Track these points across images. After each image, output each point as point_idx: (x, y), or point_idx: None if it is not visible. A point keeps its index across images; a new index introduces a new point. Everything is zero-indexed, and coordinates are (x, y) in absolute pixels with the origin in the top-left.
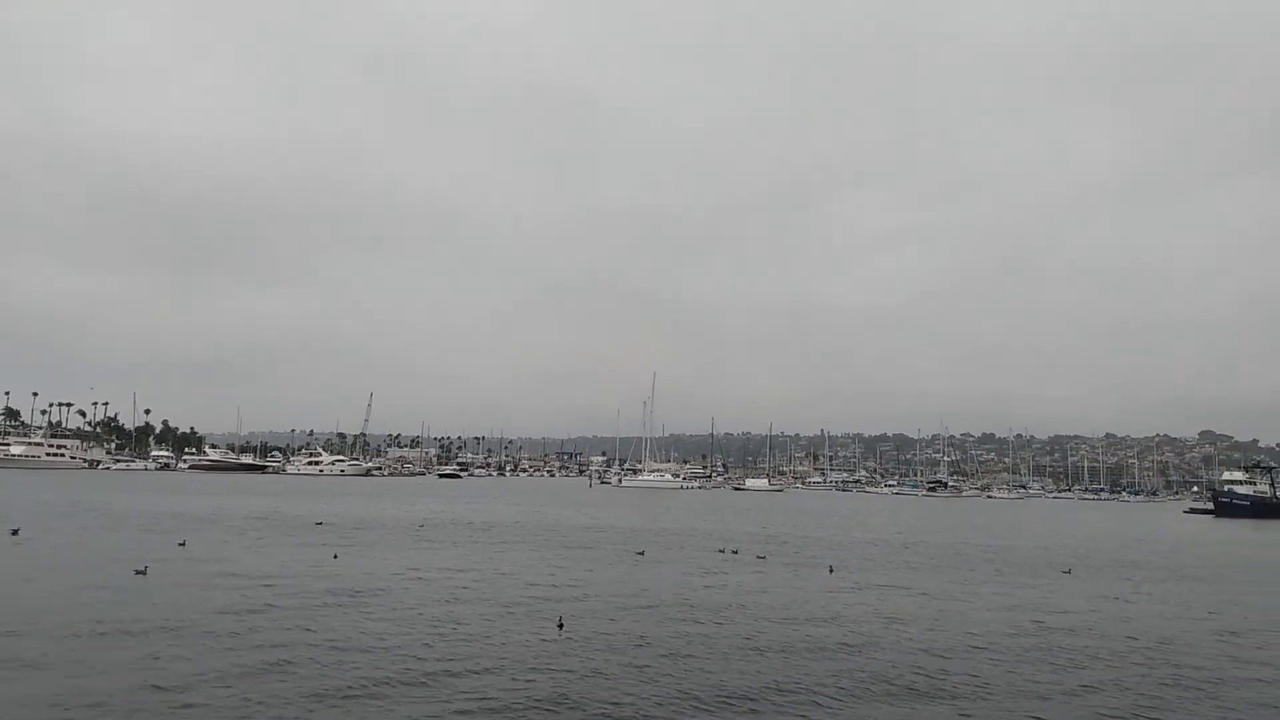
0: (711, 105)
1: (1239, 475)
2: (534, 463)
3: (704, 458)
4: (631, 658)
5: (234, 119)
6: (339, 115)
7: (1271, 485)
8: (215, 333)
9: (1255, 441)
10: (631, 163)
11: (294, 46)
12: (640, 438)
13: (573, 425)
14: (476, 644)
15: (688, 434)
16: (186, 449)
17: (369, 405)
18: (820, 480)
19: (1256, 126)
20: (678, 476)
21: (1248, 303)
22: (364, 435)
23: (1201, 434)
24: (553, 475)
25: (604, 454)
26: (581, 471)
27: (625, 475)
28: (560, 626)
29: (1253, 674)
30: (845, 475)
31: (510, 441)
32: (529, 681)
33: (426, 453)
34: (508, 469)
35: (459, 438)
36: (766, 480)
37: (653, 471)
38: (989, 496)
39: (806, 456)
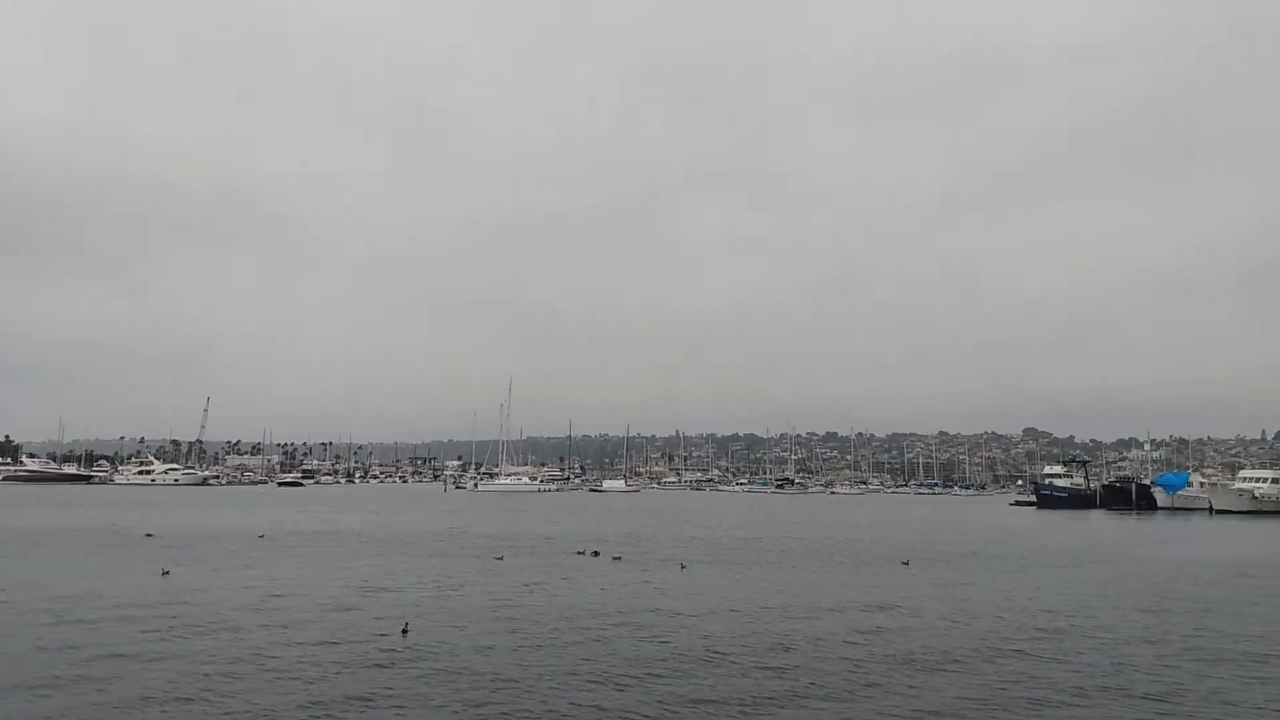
0: (565, 111)
1: (1058, 469)
2: (386, 469)
3: (561, 460)
4: (471, 662)
5: (61, 112)
6: (179, 112)
7: (1086, 478)
8: (34, 333)
9: (1072, 438)
10: (483, 167)
11: (129, 39)
12: (497, 441)
13: (427, 430)
14: (313, 651)
15: (545, 437)
16: (0, 459)
17: (205, 411)
18: (675, 480)
19: (1055, 146)
20: (535, 480)
21: (1061, 311)
22: (200, 442)
23: (1025, 431)
24: (405, 481)
25: (459, 458)
26: (436, 477)
27: (481, 480)
28: (405, 633)
29: (1065, 647)
30: (699, 475)
31: (360, 447)
32: (368, 689)
33: (269, 460)
34: (357, 476)
35: (304, 444)
36: (623, 481)
37: (510, 475)
38: (832, 492)
39: (662, 457)
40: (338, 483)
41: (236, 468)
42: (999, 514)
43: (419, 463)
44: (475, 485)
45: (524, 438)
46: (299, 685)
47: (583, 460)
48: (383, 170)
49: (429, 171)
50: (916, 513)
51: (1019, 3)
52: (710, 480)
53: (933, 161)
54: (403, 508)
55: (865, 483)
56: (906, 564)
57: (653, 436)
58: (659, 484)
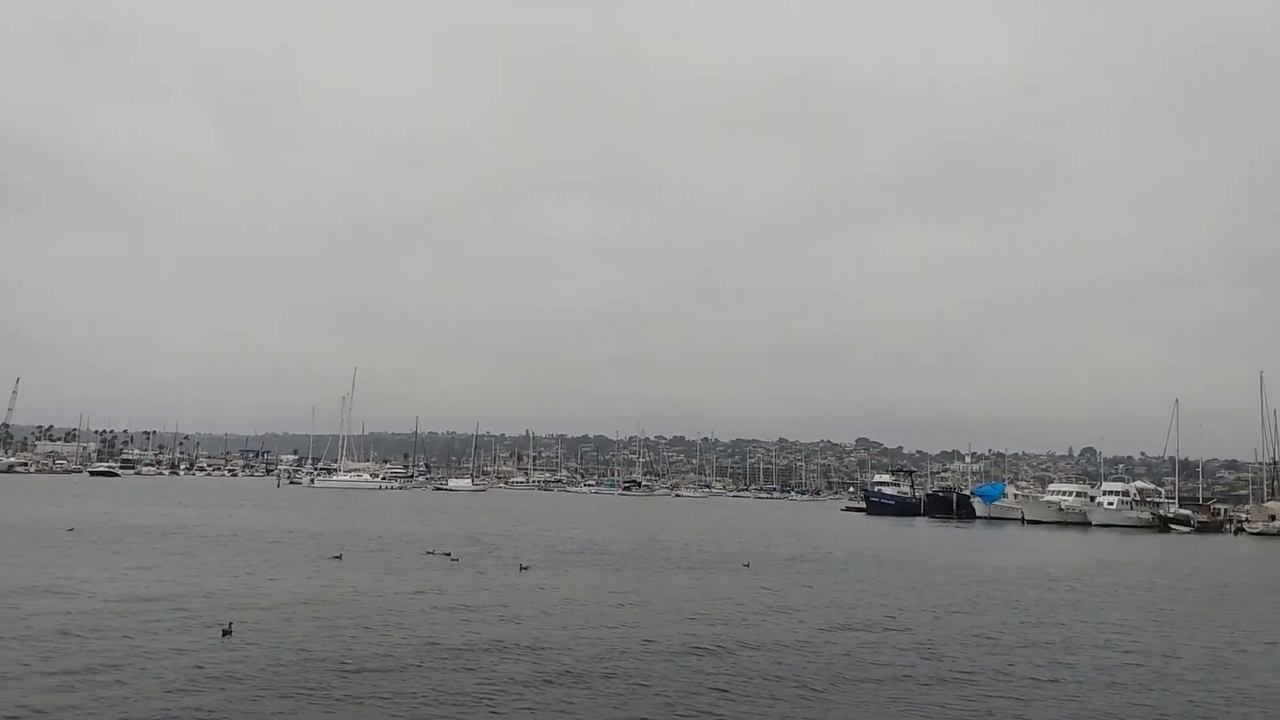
0: (432, 105)
1: (887, 478)
2: (214, 461)
3: (406, 457)
4: (294, 663)
5: None
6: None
7: (912, 487)
8: None
9: (901, 448)
10: (340, 156)
11: None
12: (337, 436)
13: (262, 422)
14: (122, 654)
15: (390, 433)
16: None
17: (14, 393)
18: (524, 480)
19: (904, 175)
20: (376, 476)
21: (892, 328)
22: (6, 426)
23: (858, 441)
24: (235, 475)
25: (295, 453)
26: (269, 471)
27: (319, 475)
28: (226, 634)
29: (883, 641)
30: (548, 475)
31: (187, 437)
32: (180, 690)
33: (85, 447)
34: (182, 467)
35: (125, 431)
36: (470, 480)
37: (349, 471)
38: (678, 495)
39: (511, 456)
40: (161, 474)
41: (48, 455)
42: (832, 519)
43: (251, 456)
44: (312, 481)
45: (367, 433)
46: (108, 690)
47: (428, 458)
48: (229, 151)
49: (280, 156)
50: (757, 516)
51: (885, 39)
52: (559, 481)
53: (790, 179)
54: (230, 502)
55: (709, 486)
56: (747, 565)
57: (502, 436)
58: (507, 484)
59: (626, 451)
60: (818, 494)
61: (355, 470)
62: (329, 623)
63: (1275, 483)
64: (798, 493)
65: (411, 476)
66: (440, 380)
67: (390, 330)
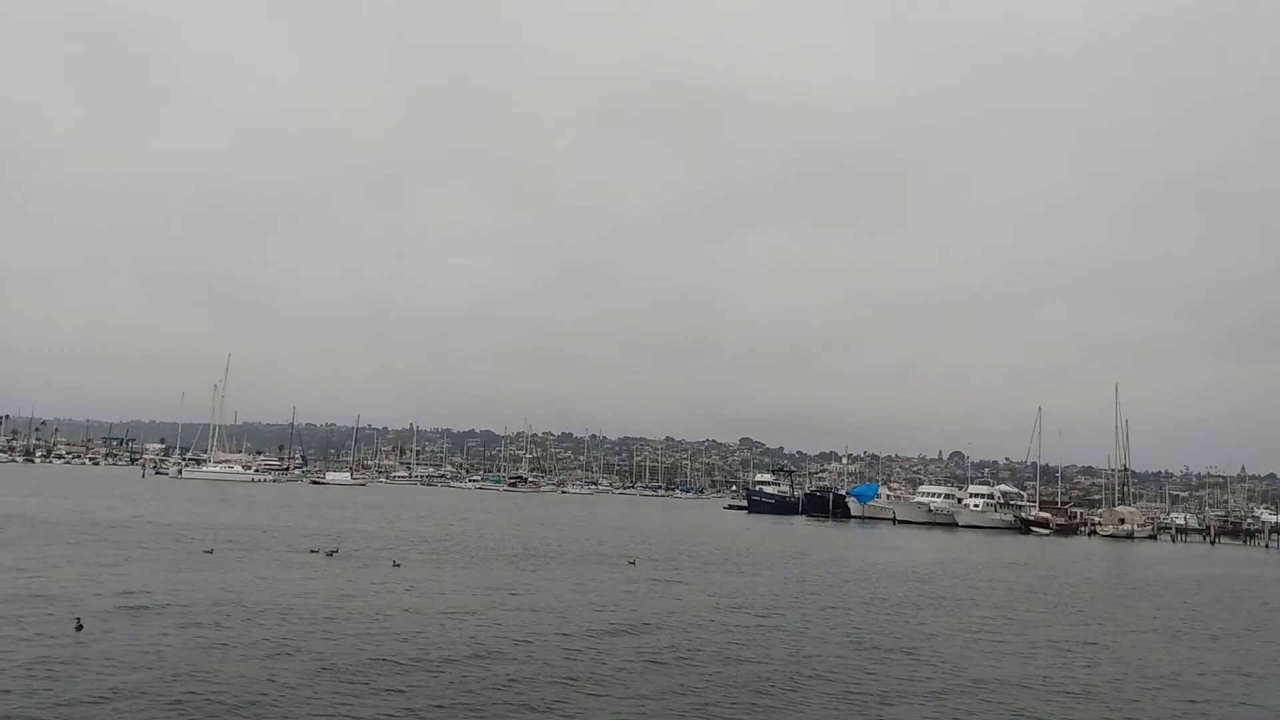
0: (300, 86)
1: (767, 477)
2: (74, 448)
3: (281, 448)
4: (147, 660)
5: None
6: None
7: (791, 486)
8: None
9: (782, 449)
10: (212, 133)
11: None
12: (208, 425)
13: (127, 409)
14: None
15: (265, 423)
16: None
17: None
18: (406, 475)
19: (783, 180)
20: (249, 468)
21: (773, 331)
22: None
23: (741, 441)
24: (97, 464)
25: (162, 441)
26: (134, 460)
27: (187, 466)
28: (79, 628)
29: (754, 637)
30: (431, 470)
31: (44, 423)
32: (29, 689)
33: None
34: (38, 455)
35: None
36: (349, 474)
37: (220, 462)
38: (563, 492)
39: (393, 450)
40: (14, 461)
41: None
42: (714, 517)
43: (114, 444)
44: (179, 472)
45: (240, 423)
46: None
47: (305, 450)
48: (90, 113)
49: (149, 130)
50: (641, 513)
51: (763, 47)
52: (443, 476)
53: (673, 178)
54: (89, 492)
55: (595, 483)
56: (633, 563)
57: (384, 429)
58: (388, 478)
59: (513, 447)
60: (701, 492)
61: (227, 461)
62: (191, 621)
63: (1126, 489)
64: (682, 491)
65: (287, 469)
66: (319, 370)
67: (266, 316)
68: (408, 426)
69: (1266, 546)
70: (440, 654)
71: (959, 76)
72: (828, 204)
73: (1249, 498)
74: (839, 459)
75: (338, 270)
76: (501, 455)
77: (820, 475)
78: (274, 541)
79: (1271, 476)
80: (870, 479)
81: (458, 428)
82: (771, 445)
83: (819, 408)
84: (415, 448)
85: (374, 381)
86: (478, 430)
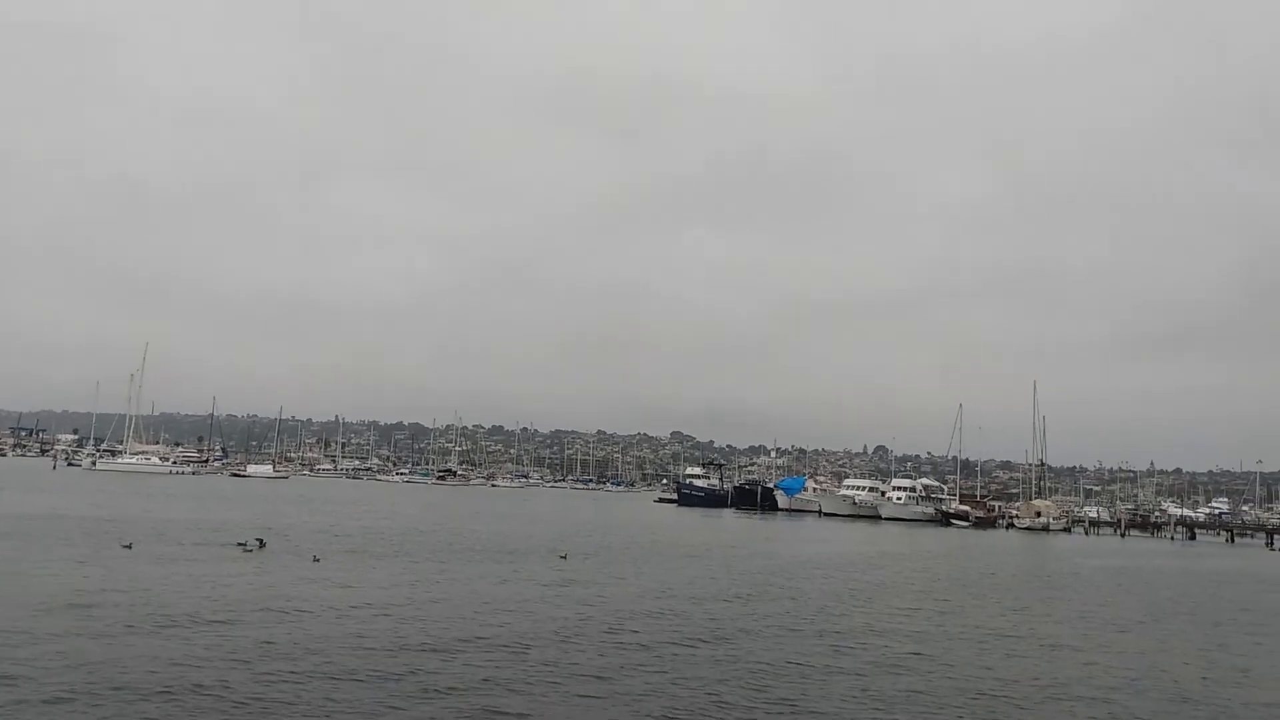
0: (225, 72)
1: (698, 471)
2: None
3: (201, 440)
4: (35, 654)
5: None
6: None
7: (721, 480)
8: None
9: (712, 442)
10: (131, 117)
11: None
12: (124, 415)
13: (37, 398)
14: None
15: (184, 413)
16: None
17: None
18: (331, 468)
19: (714, 178)
20: (167, 460)
21: (704, 326)
22: None
23: (673, 434)
24: (3, 454)
25: (75, 432)
26: (45, 451)
27: (101, 457)
28: None
29: (678, 625)
30: (358, 463)
31: None
32: None
33: None
34: None
35: None
36: (271, 466)
37: (136, 453)
38: (493, 485)
39: (318, 443)
40: None
41: None
42: (645, 510)
43: (23, 434)
44: (93, 463)
45: (158, 413)
46: None
47: (225, 442)
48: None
49: (59, 114)
50: (572, 506)
51: (701, 47)
52: (369, 469)
53: (608, 176)
54: None
55: (526, 476)
56: (564, 557)
57: (309, 421)
58: (312, 471)
59: (443, 440)
60: (632, 485)
61: (143, 453)
62: (109, 621)
63: (1042, 483)
64: (613, 484)
65: (206, 461)
66: (241, 360)
67: (187, 304)
68: (333, 419)
69: (1171, 538)
70: (352, 651)
71: (888, 84)
72: (759, 204)
73: (1157, 492)
74: (768, 453)
75: (262, 260)
76: (430, 448)
77: (749, 469)
78: (194, 535)
79: (1178, 471)
80: (798, 473)
81: (385, 420)
82: (702, 439)
83: (749, 402)
84: (341, 440)
85: (298, 373)
86: (406, 423)
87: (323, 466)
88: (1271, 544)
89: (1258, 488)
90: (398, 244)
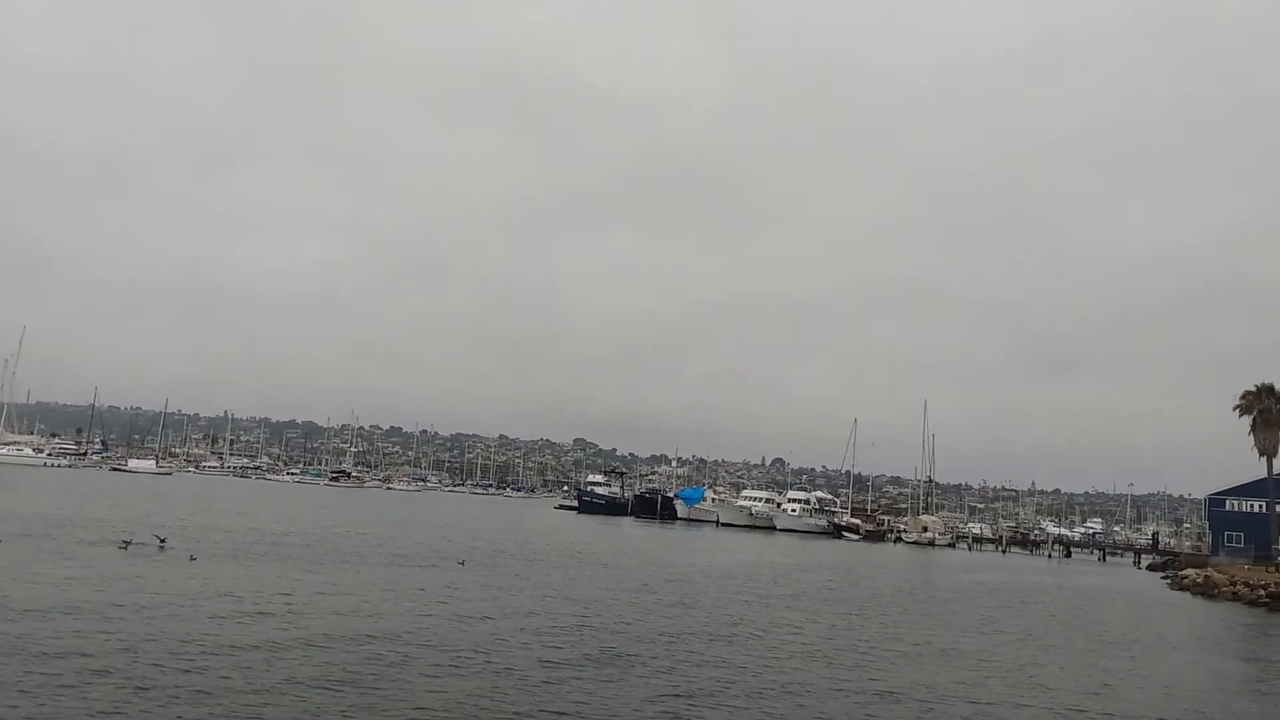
0: (121, 39)
1: (599, 478)
2: None
3: (79, 432)
4: None
5: None
6: None
7: (622, 487)
8: None
9: (615, 450)
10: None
11: None
12: None
13: None
14: None
15: (62, 403)
16: None
17: None
18: (218, 465)
19: (622, 182)
20: (41, 451)
21: (610, 332)
22: None
23: (575, 441)
24: None
25: None
26: None
27: None
28: None
29: (578, 634)
30: (247, 461)
31: None
32: None
33: None
34: None
35: None
36: (154, 462)
37: (8, 444)
38: (389, 488)
39: (205, 439)
40: None
41: None
42: (545, 517)
43: None
44: None
45: (34, 402)
46: None
47: (106, 435)
48: None
49: None
50: (470, 511)
51: (621, 51)
52: (258, 468)
53: (518, 175)
54: None
55: (424, 480)
56: (462, 564)
57: (196, 415)
58: (198, 468)
59: (338, 440)
60: (533, 491)
61: (15, 443)
62: None
63: (930, 499)
64: (514, 489)
65: (84, 454)
66: (126, 349)
67: (68, 286)
68: (222, 414)
69: (1049, 556)
70: (213, 655)
71: (796, 97)
72: (668, 209)
73: (1037, 511)
74: (669, 462)
75: (152, 243)
76: (324, 448)
77: (650, 477)
78: (65, 532)
79: (1057, 492)
80: (698, 482)
81: (277, 417)
82: (605, 446)
83: (653, 411)
84: (229, 437)
85: (187, 364)
86: (299, 421)
87: (209, 464)
88: (1139, 563)
89: (1129, 509)
90: (298, 232)
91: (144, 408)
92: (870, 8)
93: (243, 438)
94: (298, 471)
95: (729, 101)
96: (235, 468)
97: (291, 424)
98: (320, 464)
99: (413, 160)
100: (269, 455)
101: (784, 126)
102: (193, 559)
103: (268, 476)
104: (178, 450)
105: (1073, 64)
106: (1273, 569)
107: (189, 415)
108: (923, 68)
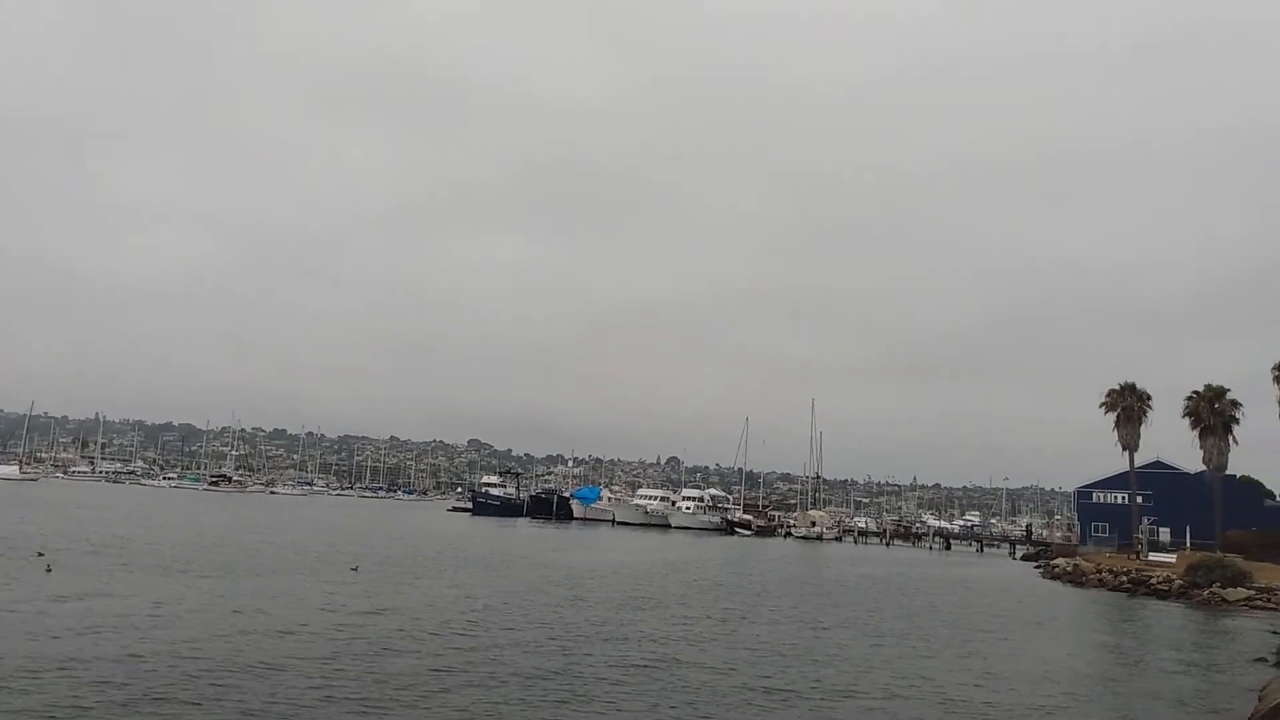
0: None
1: (494, 479)
2: None
3: None
4: None
5: None
6: None
7: (517, 488)
8: None
9: (510, 450)
10: None
11: None
12: None
13: None
14: None
15: None
16: None
17: None
18: (89, 470)
19: (516, 184)
20: None
21: (502, 333)
22: None
23: (470, 442)
24: None
25: None
26: None
27: None
28: None
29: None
30: (120, 465)
31: None
32: None
33: None
34: None
35: None
36: (18, 467)
37: None
38: (272, 492)
39: (74, 442)
40: None
41: None
42: (438, 519)
43: None
44: None
45: None
46: None
47: None
48: None
49: None
50: (353, 516)
51: (515, 51)
52: (132, 472)
53: (409, 175)
54: None
55: (310, 483)
56: (355, 569)
57: (65, 418)
58: (66, 473)
59: (217, 443)
60: (425, 494)
61: None
62: None
63: (818, 494)
64: (405, 492)
65: None
66: None
67: None
68: (93, 416)
69: (930, 548)
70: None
71: (687, 103)
72: (560, 213)
73: (918, 505)
74: (565, 462)
75: (16, 229)
76: (203, 451)
77: (546, 478)
78: None
79: (937, 486)
80: (594, 482)
81: (153, 420)
82: (500, 447)
83: (548, 411)
84: (101, 440)
85: (55, 363)
86: (176, 423)
87: (78, 469)
88: (1014, 553)
89: (1004, 502)
90: (177, 226)
91: (6, 410)
92: (764, 16)
93: (116, 441)
94: (175, 476)
95: (620, 106)
96: (108, 473)
97: (168, 426)
98: (199, 468)
99: (297, 157)
100: (144, 459)
101: (674, 132)
102: (49, 570)
103: (143, 481)
104: (44, 455)
105: (969, 85)
106: (1134, 557)
107: (56, 418)
108: (816, 77)
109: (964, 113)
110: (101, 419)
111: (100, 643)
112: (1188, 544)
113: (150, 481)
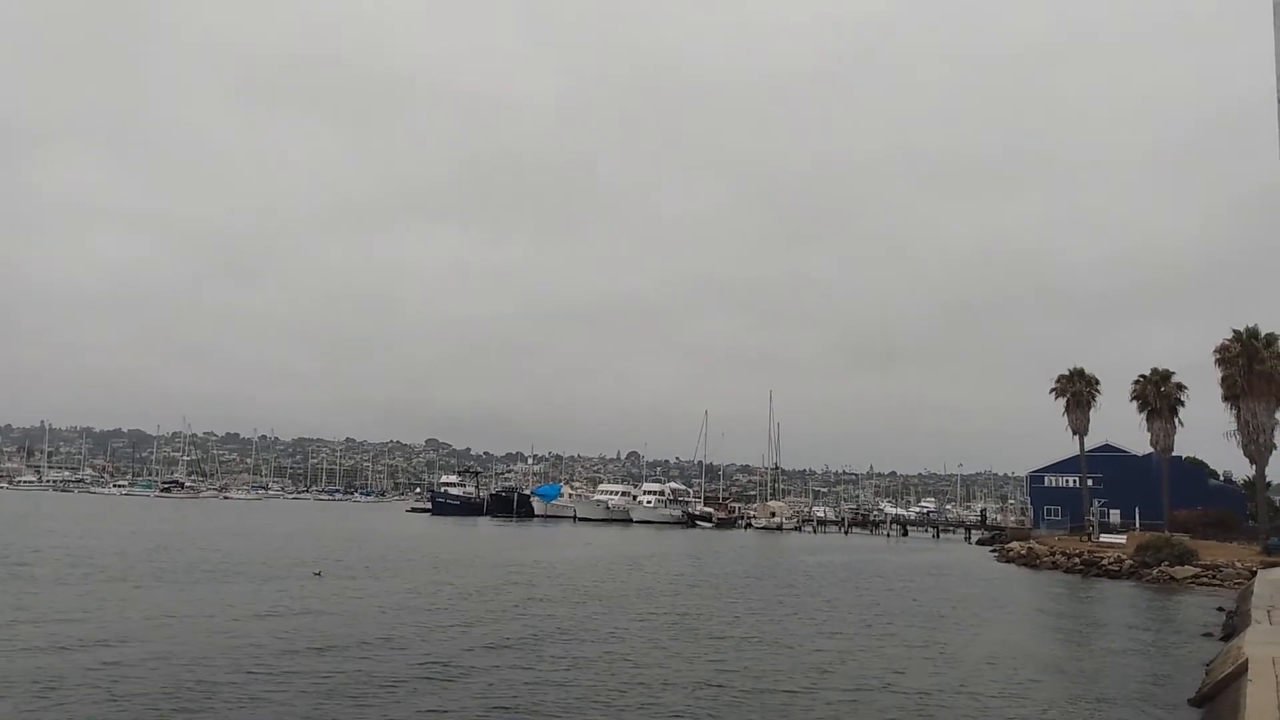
0: None
1: (453, 479)
2: None
3: None
4: None
5: None
6: None
7: (477, 487)
8: None
9: (469, 449)
10: None
11: None
12: None
13: None
14: None
15: None
16: None
17: None
18: (35, 479)
19: (463, 180)
20: None
21: (457, 331)
22: None
23: (428, 442)
24: None
25: None
26: None
27: None
28: None
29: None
30: (68, 473)
31: None
32: None
33: None
34: None
35: None
36: None
37: None
38: (226, 497)
39: (19, 451)
40: None
41: None
42: (397, 521)
43: None
44: None
45: None
46: None
47: None
48: None
49: None
50: (310, 519)
51: (449, 46)
52: (81, 480)
53: (351, 172)
54: None
55: (265, 488)
56: (319, 574)
57: (9, 426)
58: (11, 483)
59: (169, 449)
60: (384, 495)
61: None
62: None
63: (777, 485)
64: (362, 494)
65: None
66: None
67: None
68: (38, 424)
69: (888, 535)
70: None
71: (633, 98)
72: (509, 208)
73: (875, 492)
74: (525, 459)
75: None
76: (154, 458)
77: (506, 476)
78: None
79: (893, 474)
80: (554, 479)
81: (101, 426)
82: (459, 446)
83: (506, 409)
84: (47, 448)
85: None
86: (125, 430)
87: (24, 478)
88: (969, 538)
89: (959, 488)
90: (116, 228)
91: None
92: (705, 11)
93: (63, 449)
94: (126, 483)
95: (564, 100)
96: (55, 481)
97: (117, 433)
98: (151, 474)
99: (238, 156)
100: (93, 467)
101: (619, 126)
102: None
103: (92, 490)
104: None
105: (902, 76)
106: (1085, 538)
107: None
108: (757, 71)
109: (904, 103)
110: (47, 426)
111: (51, 657)
112: (1137, 524)
113: (100, 489)
